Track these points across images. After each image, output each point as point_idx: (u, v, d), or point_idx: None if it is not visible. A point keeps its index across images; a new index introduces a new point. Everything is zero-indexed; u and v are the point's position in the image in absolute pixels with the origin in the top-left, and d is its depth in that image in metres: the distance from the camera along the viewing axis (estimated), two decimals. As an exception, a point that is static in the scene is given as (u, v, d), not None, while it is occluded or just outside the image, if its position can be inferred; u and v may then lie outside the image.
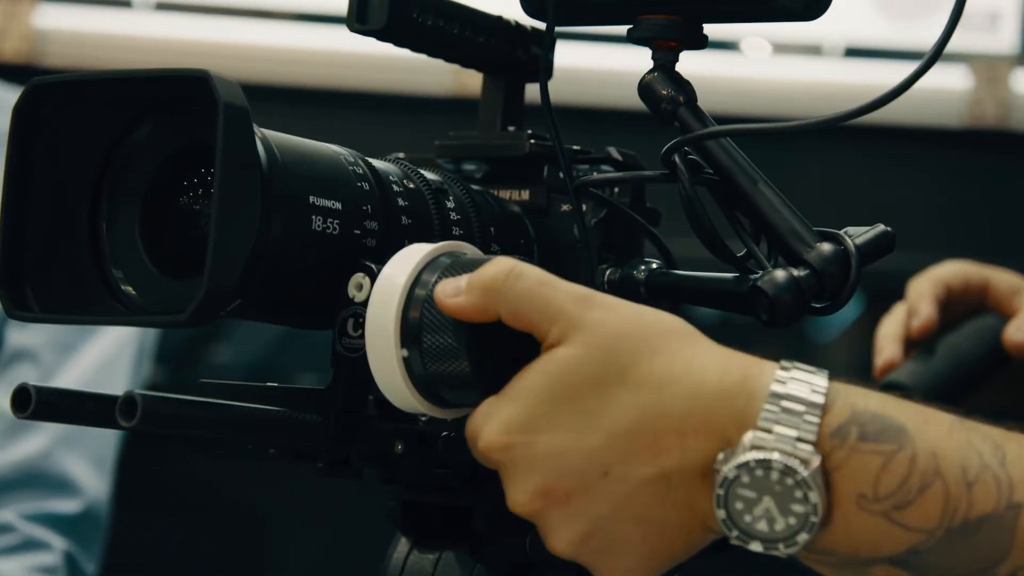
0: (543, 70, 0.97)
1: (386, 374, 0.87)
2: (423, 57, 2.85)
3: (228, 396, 0.91)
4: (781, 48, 2.69)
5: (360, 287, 0.90)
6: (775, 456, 0.78)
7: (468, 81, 2.64)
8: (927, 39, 2.62)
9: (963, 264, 1.25)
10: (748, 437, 0.79)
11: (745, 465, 0.78)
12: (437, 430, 0.94)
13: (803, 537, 0.79)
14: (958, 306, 1.24)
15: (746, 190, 0.92)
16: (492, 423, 0.82)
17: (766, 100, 2.59)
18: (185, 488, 2.67)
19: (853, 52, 2.67)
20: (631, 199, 1.01)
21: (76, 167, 0.91)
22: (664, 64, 0.94)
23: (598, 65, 2.50)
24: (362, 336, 0.89)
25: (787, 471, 0.78)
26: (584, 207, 0.99)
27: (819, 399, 0.79)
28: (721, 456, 0.79)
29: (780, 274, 0.89)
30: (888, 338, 1.22)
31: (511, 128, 1.05)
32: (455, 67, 2.59)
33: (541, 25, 1.00)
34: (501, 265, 0.83)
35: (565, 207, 1.02)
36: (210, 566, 2.67)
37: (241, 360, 2.87)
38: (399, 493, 1.01)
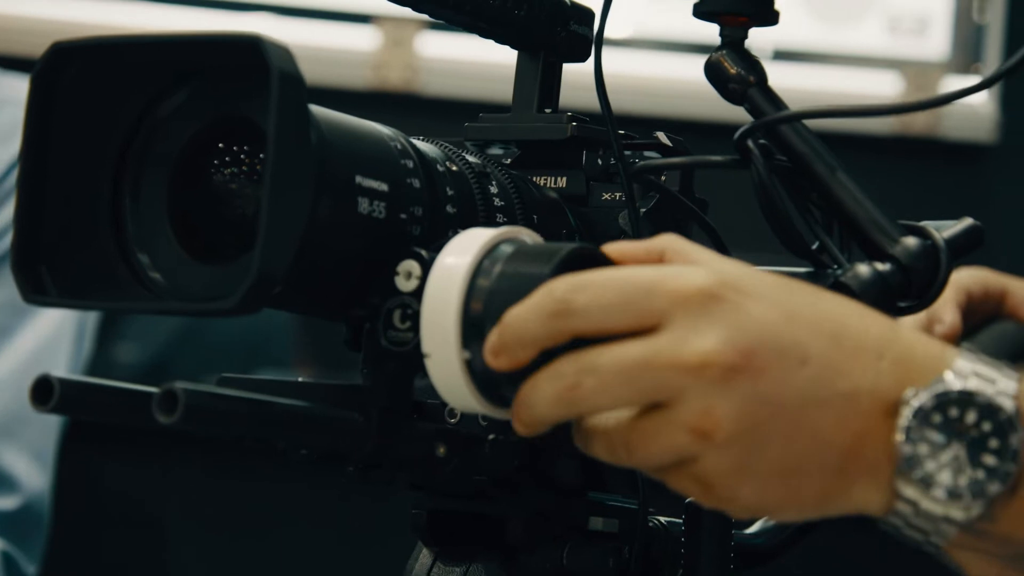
0: (597, 44, 0.90)
1: (445, 372, 0.80)
2: (343, 48, 2.79)
3: (257, 392, 0.84)
4: (709, 50, 2.65)
5: (409, 275, 0.82)
6: (978, 389, 0.73)
7: (388, 75, 2.57)
8: (857, 43, 2.61)
9: (981, 271, 1.21)
10: (947, 374, 0.74)
11: (943, 396, 0.73)
12: (483, 433, 0.87)
13: (994, 488, 0.72)
14: (976, 314, 1.20)
15: (824, 178, 0.86)
16: (702, 269, 0.75)
17: (695, 102, 2.55)
18: (126, 486, 2.58)
19: (782, 55, 2.63)
20: (680, 187, 0.94)
21: (99, 140, 0.83)
22: (733, 41, 0.88)
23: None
24: (411, 329, 0.81)
25: (989, 410, 0.73)
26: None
27: (1008, 369, 0.75)
28: (912, 390, 0.74)
29: (864, 268, 0.84)
30: None
31: (547, 111, 0.97)
32: (375, 60, 2.56)
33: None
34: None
35: (606, 196, 0.95)
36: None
37: (141, 358, 2.78)
38: (425, 500, 0.94)
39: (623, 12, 2.58)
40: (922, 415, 0.73)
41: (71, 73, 0.81)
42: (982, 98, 2.58)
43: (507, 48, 0.99)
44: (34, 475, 1.90)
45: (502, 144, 0.98)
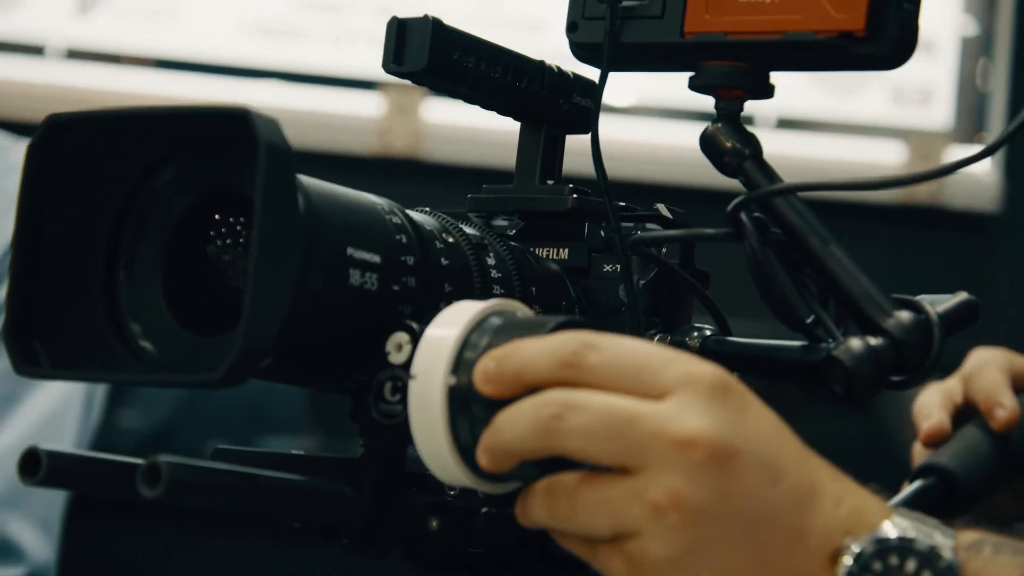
0: (595, 119, 0.90)
1: (430, 443, 0.80)
2: (348, 114, 2.79)
3: (248, 464, 0.83)
4: (712, 117, 2.64)
5: (399, 348, 0.82)
6: (919, 537, 0.75)
7: (393, 141, 2.57)
8: (861, 112, 2.61)
9: (1004, 351, 1.21)
10: (885, 524, 0.76)
11: (883, 543, 0.75)
12: (476, 506, 0.86)
13: None
14: None
15: (817, 251, 0.86)
16: (715, 365, 0.76)
17: (699, 170, 2.55)
18: (132, 556, 2.56)
19: (786, 124, 2.64)
20: (680, 260, 0.94)
21: (94, 211, 0.83)
22: (728, 114, 0.88)
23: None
24: (400, 402, 0.81)
25: (929, 558, 0.74)
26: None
27: (947, 528, 0.77)
28: (851, 539, 0.75)
29: (856, 343, 0.83)
30: (935, 405, 1.16)
31: (550, 182, 0.97)
32: (380, 127, 2.57)
33: (587, 71, 0.94)
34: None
35: (608, 268, 0.95)
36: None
37: (146, 425, 2.78)
38: (421, 574, 0.94)
39: (627, 80, 2.62)
40: (862, 562, 0.74)
41: (67, 145, 0.81)
42: (985, 167, 2.58)
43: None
44: (40, 545, 1.88)
45: (506, 215, 0.98)
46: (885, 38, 0.83)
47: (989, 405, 1.13)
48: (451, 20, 0.91)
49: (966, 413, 1.16)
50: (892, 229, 2.58)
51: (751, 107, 2.84)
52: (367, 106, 2.60)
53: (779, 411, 0.86)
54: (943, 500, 1.09)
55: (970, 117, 2.64)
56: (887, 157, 2.60)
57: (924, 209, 2.56)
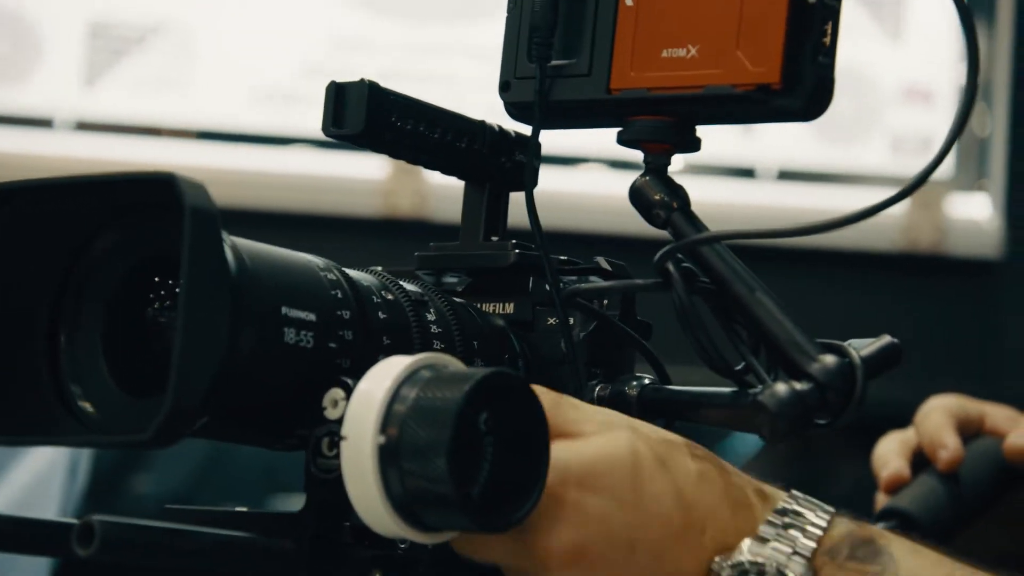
0: (528, 175, 0.92)
1: (364, 497, 0.81)
2: (353, 177, 2.81)
3: (195, 522, 0.85)
4: (714, 170, 2.67)
5: (335, 403, 0.84)
6: (770, 558, 0.82)
7: (398, 202, 2.60)
8: (861, 163, 2.63)
9: (959, 397, 1.23)
10: (745, 542, 0.83)
11: (739, 567, 0.82)
12: (418, 557, 0.88)
13: None
14: (960, 435, 1.22)
15: (743, 298, 0.87)
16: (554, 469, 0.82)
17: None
18: None
19: (787, 175, 2.65)
20: (621, 311, 0.96)
21: (35, 277, 0.85)
22: (656, 167, 0.90)
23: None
24: (337, 456, 0.83)
25: None
26: (572, 320, 0.94)
27: (822, 522, 0.85)
28: (718, 559, 0.82)
29: (781, 387, 0.85)
30: (893, 453, 1.19)
31: (494, 238, 1.00)
32: (385, 188, 2.59)
33: (525, 129, 0.96)
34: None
35: (552, 320, 0.97)
36: None
37: (163, 489, 2.79)
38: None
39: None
40: None
41: (7, 213, 0.83)
42: (987, 214, 2.59)
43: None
44: (26, 612, 1.91)
45: (453, 272, 1.00)
46: (801, 90, 0.85)
47: (933, 447, 1.15)
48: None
49: (924, 458, 1.18)
50: (896, 277, 2.59)
51: (753, 159, 2.85)
52: (371, 168, 2.63)
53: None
54: None
55: (970, 165, 2.65)
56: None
57: (927, 257, 2.57)
